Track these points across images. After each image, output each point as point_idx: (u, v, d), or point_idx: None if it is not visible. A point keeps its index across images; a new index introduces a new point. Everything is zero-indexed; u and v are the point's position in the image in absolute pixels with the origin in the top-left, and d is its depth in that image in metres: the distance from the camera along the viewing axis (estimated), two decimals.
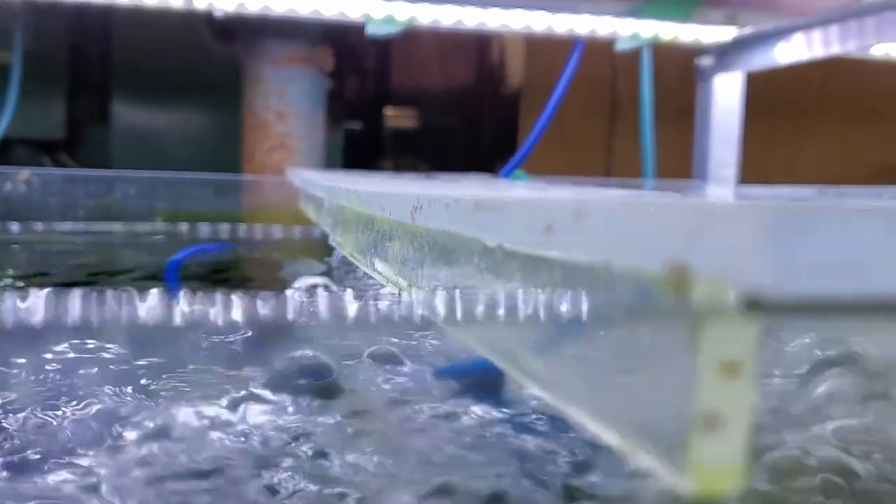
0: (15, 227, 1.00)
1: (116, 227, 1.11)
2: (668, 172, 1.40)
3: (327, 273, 0.97)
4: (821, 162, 2.59)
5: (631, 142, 1.65)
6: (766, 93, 1.87)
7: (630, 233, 0.19)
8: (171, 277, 0.77)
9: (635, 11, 1.29)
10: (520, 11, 1.23)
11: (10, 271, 0.96)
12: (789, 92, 2.40)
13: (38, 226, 1.04)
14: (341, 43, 1.84)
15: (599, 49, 1.35)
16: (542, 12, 1.24)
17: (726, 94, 1.39)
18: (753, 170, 1.56)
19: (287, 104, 1.41)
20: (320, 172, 1.22)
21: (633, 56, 1.37)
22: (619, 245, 0.19)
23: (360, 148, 2.96)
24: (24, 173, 1.11)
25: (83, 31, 2.35)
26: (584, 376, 0.21)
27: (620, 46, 1.35)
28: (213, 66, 1.92)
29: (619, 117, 2.70)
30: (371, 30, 1.23)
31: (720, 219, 0.16)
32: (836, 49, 1.21)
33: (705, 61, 1.39)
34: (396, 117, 3.17)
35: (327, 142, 1.54)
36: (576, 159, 2.70)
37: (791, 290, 0.15)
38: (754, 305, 0.15)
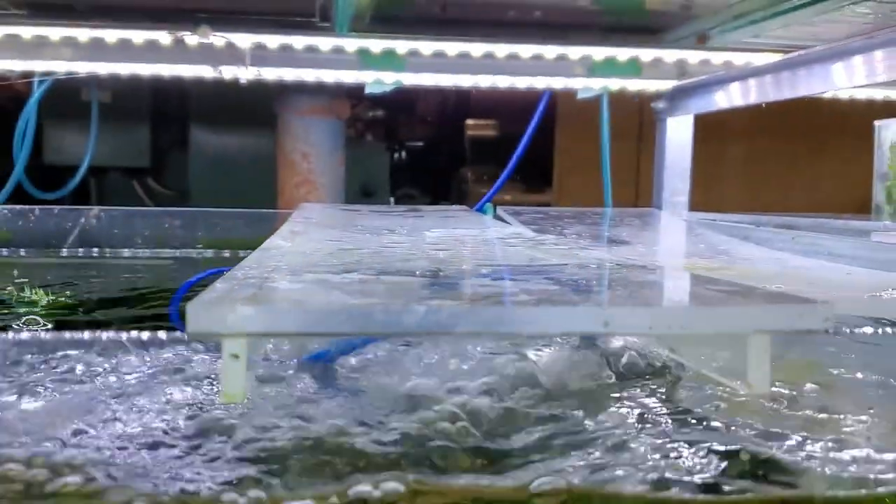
0: (81, 251, 1.33)
1: (166, 252, 1.44)
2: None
3: None
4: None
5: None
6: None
7: None
8: (177, 297, 1.06)
9: (590, 70, 1.53)
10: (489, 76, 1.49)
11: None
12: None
13: (105, 251, 1.37)
14: None
15: None
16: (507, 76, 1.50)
17: (678, 133, 1.62)
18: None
19: (310, 146, 1.72)
20: (326, 207, 1.51)
21: None
22: None
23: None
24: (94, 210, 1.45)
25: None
26: None
27: (581, 95, 1.60)
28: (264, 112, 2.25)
29: (644, 138, 2.92)
30: (368, 90, 1.52)
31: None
32: (771, 97, 1.42)
33: (659, 105, 1.62)
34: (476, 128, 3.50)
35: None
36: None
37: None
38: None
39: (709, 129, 2.96)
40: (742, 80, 1.45)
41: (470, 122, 3.60)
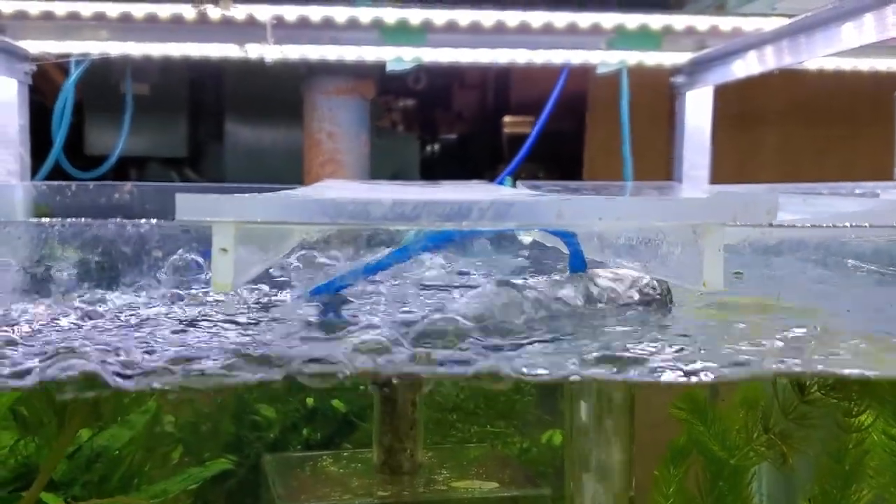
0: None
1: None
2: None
3: None
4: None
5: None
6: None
7: None
8: None
9: (610, 43, 1.55)
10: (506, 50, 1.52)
11: None
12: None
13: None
14: None
15: None
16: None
17: (697, 107, 1.63)
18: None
19: (336, 125, 1.76)
20: (351, 182, 1.55)
21: None
22: None
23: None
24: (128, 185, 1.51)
25: (199, 65, 2.81)
26: None
27: (600, 70, 1.62)
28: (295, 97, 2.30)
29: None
30: (390, 67, 1.56)
31: None
32: (787, 61, 1.42)
33: (678, 79, 1.63)
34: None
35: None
36: (641, 163, 2.94)
37: None
38: None
39: (745, 116, 2.95)
40: (759, 48, 1.46)
41: (507, 118, 3.62)
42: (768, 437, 0.75)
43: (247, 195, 0.46)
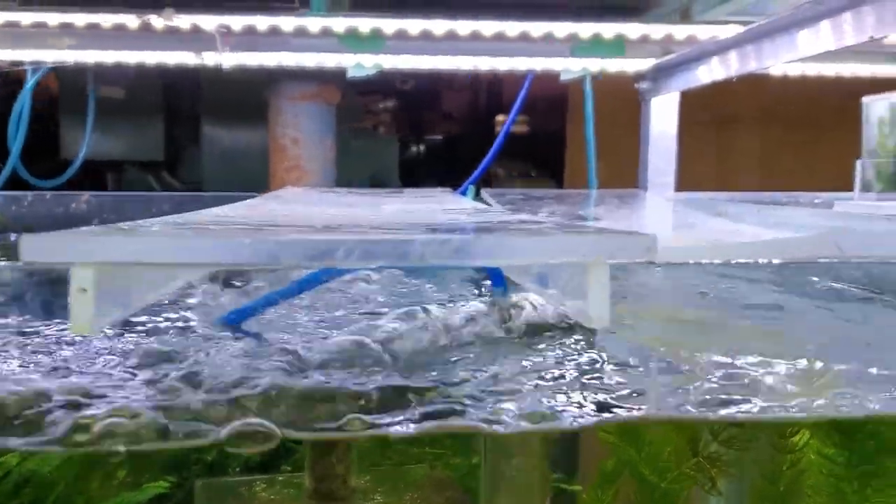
0: None
1: None
2: None
3: None
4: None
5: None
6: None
7: None
8: None
9: (573, 51, 1.54)
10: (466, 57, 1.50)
11: None
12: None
13: None
14: None
15: None
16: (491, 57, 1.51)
17: (662, 113, 1.61)
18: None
19: (300, 131, 1.74)
20: (307, 189, 1.54)
21: None
22: None
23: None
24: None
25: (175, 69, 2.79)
26: None
27: (563, 77, 1.60)
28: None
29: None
30: (350, 73, 1.54)
31: None
32: (753, 66, 1.41)
33: (642, 86, 1.62)
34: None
35: None
36: (615, 167, 2.95)
37: None
38: None
39: (722, 120, 2.93)
40: (722, 53, 1.44)
41: (501, 118, 3.60)
42: (697, 460, 0.74)
43: (108, 232, 0.44)
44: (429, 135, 3.73)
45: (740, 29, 1.49)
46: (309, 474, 0.83)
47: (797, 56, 1.28)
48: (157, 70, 2.82)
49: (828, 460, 0.79)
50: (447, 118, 3.70)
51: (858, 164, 1.22)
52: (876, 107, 1.56)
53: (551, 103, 3.32)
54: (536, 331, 0.62)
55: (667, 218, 1.27)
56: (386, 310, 0.68)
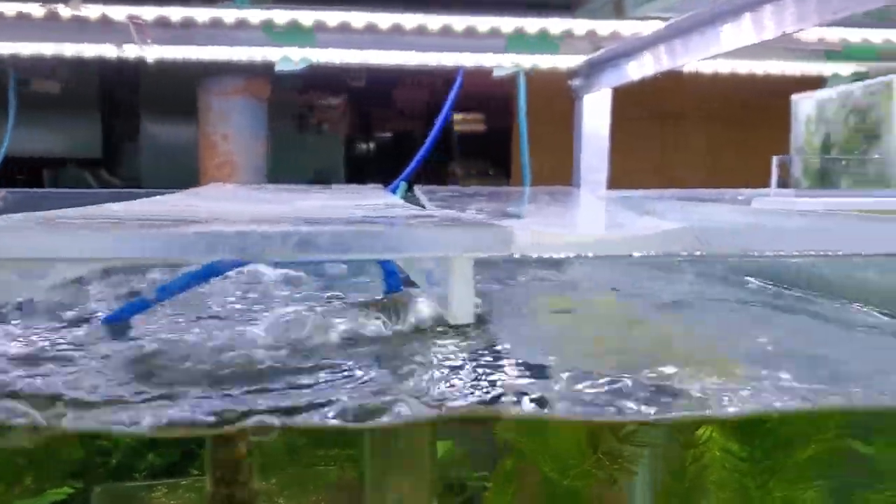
0: None
1: None
2: None
3: None
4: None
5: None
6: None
7: None
8: None
9: (504, 47, 1.53)
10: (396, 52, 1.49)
11: None
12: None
13: None
14: None
15: None
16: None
17: (594, 110, 1.61)
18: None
19: (230, 127, 1.71)
20: (233, 185, 1.51)
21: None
22: None
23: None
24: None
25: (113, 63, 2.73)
26: None
27: (496, 73, 1.59)
28: None
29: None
30: (278, 67, 1.51)
31: None
32: (679, 61, 1.41)
33: (575, 82, 1.61)
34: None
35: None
36: (552, 164, 2.96)
37: None
38: None
39: (667, 116, 2.95)
40: (651, 48, 1.44)
41: (458, 116, 3.58)
42: (597, 456, 0.73)
43: None
44: (378, 132, 3.71)
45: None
46: (209, 479, 0.80)
47: (722, 50, 1.29)
48: (95, 65, 2.76)
49: (730, 454, 0.79)
50: (398, 115, 3.67)
51: (775, 160, 1.23)
52: (804, 104, 1.58)
53: (505, 102, 3.31)
54: (422, 330, 0.60)
55: (588, 215, 1.27)
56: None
